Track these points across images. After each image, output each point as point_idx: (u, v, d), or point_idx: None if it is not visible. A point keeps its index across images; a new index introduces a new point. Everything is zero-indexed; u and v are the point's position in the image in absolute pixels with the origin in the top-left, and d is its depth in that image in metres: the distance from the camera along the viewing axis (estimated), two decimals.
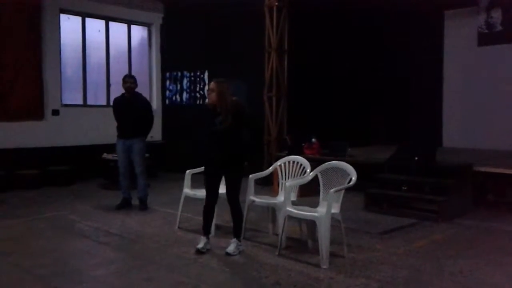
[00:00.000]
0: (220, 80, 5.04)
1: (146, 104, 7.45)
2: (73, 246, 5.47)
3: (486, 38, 9.84)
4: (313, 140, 8.58)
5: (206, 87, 11.12)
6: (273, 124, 9.51)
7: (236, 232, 5.08)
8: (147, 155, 7.51)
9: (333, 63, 10.10)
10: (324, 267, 4.55)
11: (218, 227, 5.82)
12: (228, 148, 4.94)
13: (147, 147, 7.48)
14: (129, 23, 11.42)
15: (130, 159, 7.23)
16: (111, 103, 7.89)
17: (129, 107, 7.18)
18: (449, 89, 10.38)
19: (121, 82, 7.31)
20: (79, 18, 10.52)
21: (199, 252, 5.00)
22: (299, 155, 6.32)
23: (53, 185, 9.21)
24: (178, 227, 6.05)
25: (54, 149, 9.74)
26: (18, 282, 4.28)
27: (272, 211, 5.61)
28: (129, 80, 7.21)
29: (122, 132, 7.24)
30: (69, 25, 10.36)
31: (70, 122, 10.10)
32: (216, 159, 4.99)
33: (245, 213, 5.34)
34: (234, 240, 5.05)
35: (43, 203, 7.79)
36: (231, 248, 4.99)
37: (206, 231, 5.17)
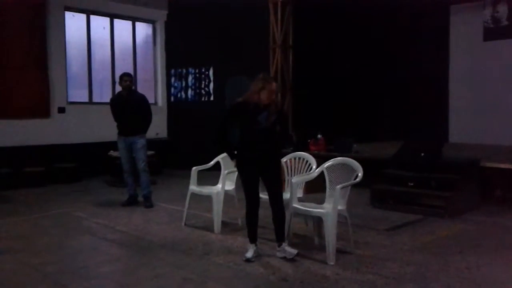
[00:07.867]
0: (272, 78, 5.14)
1: (144, 100, 7.36)
2: (80, 243, 5.49)
3: (492, 32, 9.78)
4: (319, 136, 8.55)
5: (211, 84, 11.11)
6: None
7: (281, 235, 4.76)
8: (151, 152, 7.48)
9: (338, 59, 10.05)
10: (331, 263, 4.55)
11: (224, 224, 5.82)
12: (272, 145, 4.72)
13: (153, 144, 7.45)
14: (133, 20, 11.42)
15: (132, 156, 7.23)
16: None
17: (127, 105, 7.15)
18: (455, 84, 10.33)
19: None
20: (84, 16, 10.54)
21: (248, 261, 4.64)
22: (304, 151, 6.28)
23: (59, 182, 9.24)
24: (185, 224, 6.05)
25: (60, 146, 9.78)
26: (26, 280, 4.29)
27: None
28: (128, 79, 7.19)
29: (122, 130, 7.22)
30: (74, 22, 10.39)
31: (76, 120, 10.13)
32: (258, 157, 4.68)
33: None
34: (285, 244, 4.73)
35: (49, 200, 7.82)
36: (290, 251, 4.70)
37: (252, 239, 4.79)
